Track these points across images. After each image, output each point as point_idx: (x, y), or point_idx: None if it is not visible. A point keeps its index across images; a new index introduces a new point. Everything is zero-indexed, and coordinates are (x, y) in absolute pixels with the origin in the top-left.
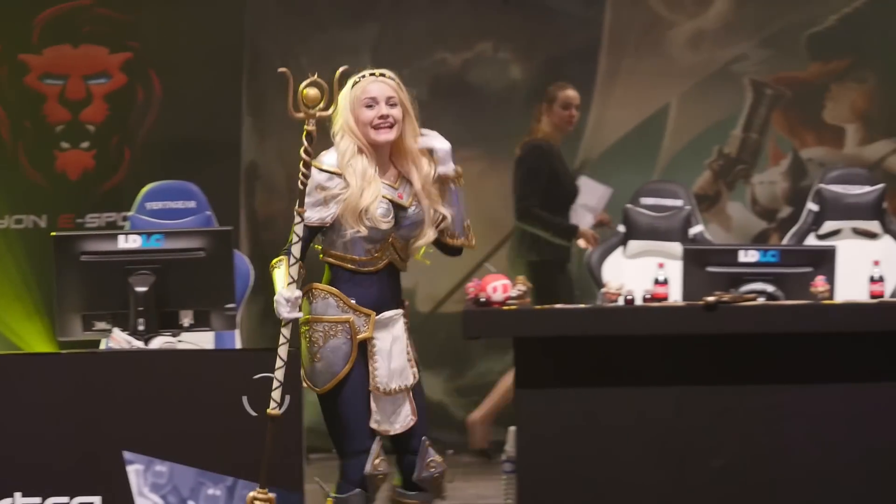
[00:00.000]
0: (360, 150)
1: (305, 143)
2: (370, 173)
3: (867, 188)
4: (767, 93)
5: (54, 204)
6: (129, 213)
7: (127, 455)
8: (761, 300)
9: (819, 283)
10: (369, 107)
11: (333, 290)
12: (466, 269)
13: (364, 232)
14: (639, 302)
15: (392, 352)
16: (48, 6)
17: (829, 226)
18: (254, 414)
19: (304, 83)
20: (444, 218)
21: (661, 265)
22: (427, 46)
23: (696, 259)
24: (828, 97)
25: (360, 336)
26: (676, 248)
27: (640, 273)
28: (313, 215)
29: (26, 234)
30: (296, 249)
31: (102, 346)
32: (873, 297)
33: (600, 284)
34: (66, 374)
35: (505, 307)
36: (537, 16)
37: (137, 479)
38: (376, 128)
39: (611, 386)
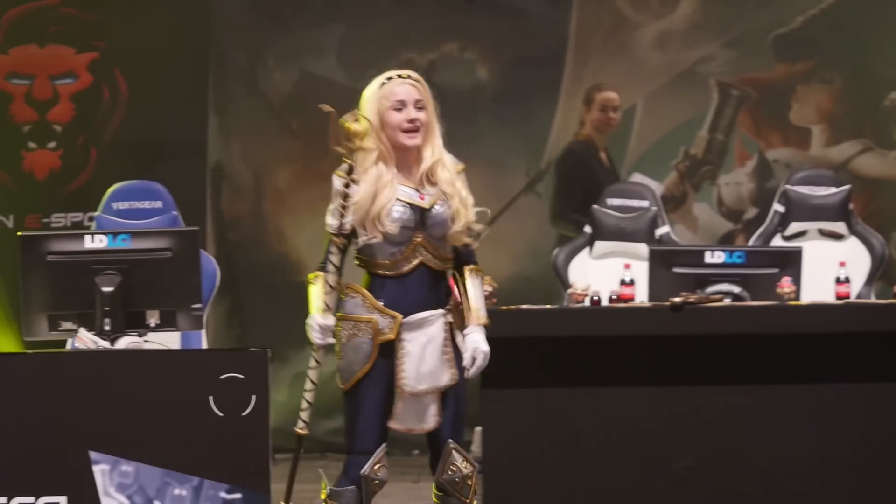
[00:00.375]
0: (379, 156)
1: (345, 177)
2: (385, 178)
3: (833, 189)
4: (733, 94)
5: (21, 204)
6: (96, 213)
7: (93, 455)
8: (727, 301)
9: (785, 285)
10: (398, 110)
11: (362, 290)
12: None
13: (378, 238)
14: (605, 303)
15: (424, 354)
16: (14, 6)
17: (795, 227)
18: (220, 414)
19: (347, 117)
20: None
21: (627, 266)
22: (393, 47)
23: (663, 260)
24: (794, 98)
25: (383, 337)
26: (643, 248)
27: (606, 274)
28: (333, 223)
29: None
30: (335, 259)
31: (68, 347)
32: (839, 298)
33: (566, 285)
34: (32, 374)
35: None
36: (503, 17)
37: (103, 479)
38: (406, 132)
39: (577, 386)
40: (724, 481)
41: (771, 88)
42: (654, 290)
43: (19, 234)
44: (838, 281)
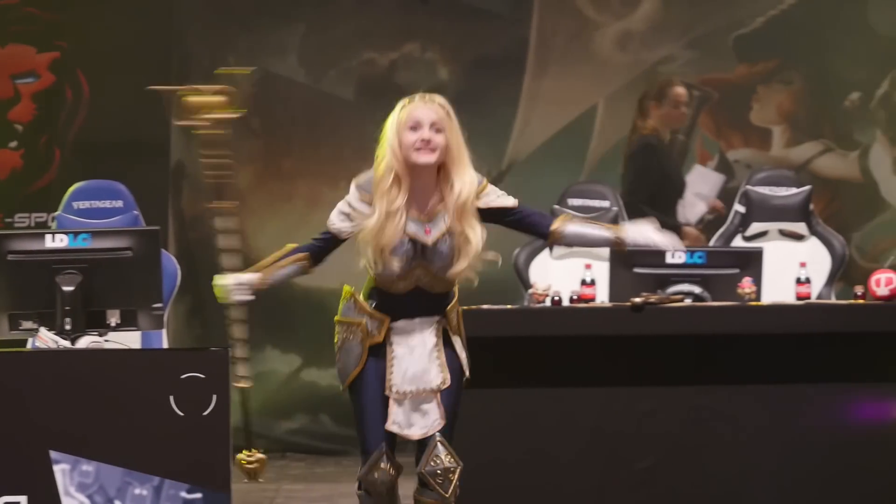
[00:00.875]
0: (394, 179)
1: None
2: (396, 206)
3: (794, 190)
4: (694, 94)
5: None
6: (56, 213)
7: (53, 454)
8: (688, 301)
9: (746, 285)
10: (413, 129)
11: (356, 295)
12: None
13: (379, 269)
14: (566, 303)
15: (413, 356)
16: None
17: (755, 227)
18: (181, 414)
19: (182, 91)
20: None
21: (588, 266)
22: (354, 47)
23: (623, 260)
24: (754, 99)
25: (372, 340)
26: (604, 249)
27: (567, 274)
28: (336, 222)
29: None
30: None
31: (29, 346)
32: (799, 298)
33: (527, 285)
34: None
35: None
36: (464, 17)
37: (64, 478)
38: (417, 150)
39: (538, 386)
40: (685, 480)
41: (732, 89)
42: (615, 290)
43: None
44: (799, 281)
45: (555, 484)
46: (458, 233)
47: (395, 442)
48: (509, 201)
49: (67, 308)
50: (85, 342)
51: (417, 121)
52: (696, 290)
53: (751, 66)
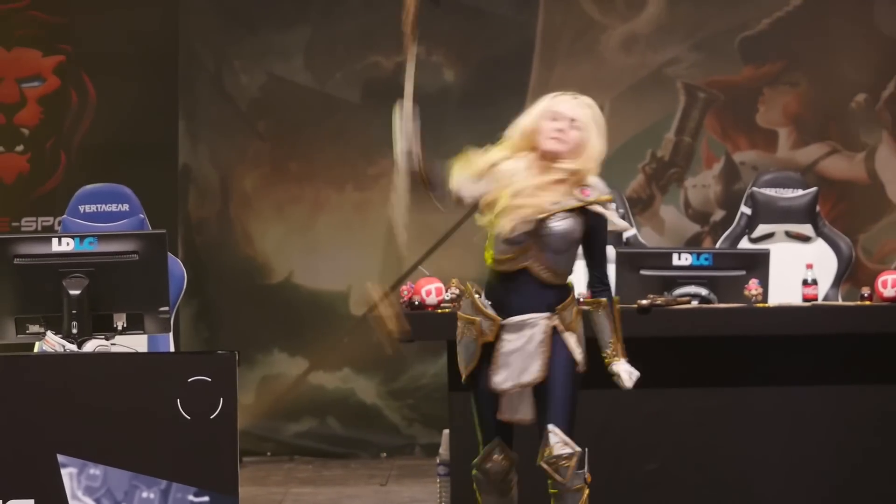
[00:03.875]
0: (527, 165)
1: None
2: (525, 176)
3: (800, 192)
4: (700, 96)
5: None
6: (62, 217)
7: (61, 458)
8: (695, 303)
9: (752, 287)
10: (553, 119)
11: (472, 291)
12: (400, 273)
13: (500, 233)
14: None
15: (517, 353)
16: None
17: (762, 229)
18: (188, 417)
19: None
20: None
21: None
22: (359, 49)
23: (630, 262)
24: (760, 101)
25: (485, 339)
26: (610, 251)
27: (574, 277)
28: (466, 187)
29: None
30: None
31: (36, 350)
32: (806, 300)
33: None
34: (0, 377)
35: (438, 310)
36: (470, 19)
37: (71, 482)
38: (549, 138)
39: None
40: (693, 483)
41: (738, 91)
42: (622, 292)
43: None
44: (805, 283)
45: None
46: (574, 222)
47: (511, 434)
48: (621, 226)
49: (74, 312)
50: (92, 346)
51: (559, 112)
52: (703, 291)
53: (757, 67)
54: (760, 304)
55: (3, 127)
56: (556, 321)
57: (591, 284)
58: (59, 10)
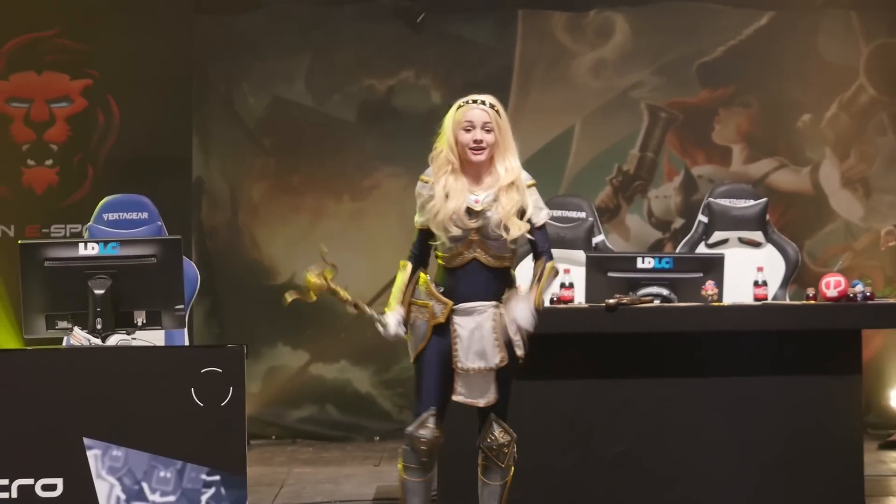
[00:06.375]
0: (452, 170)
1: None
2: (452, 188)
3: (751, 202)
4: (662, 116)
5: (21, 216)
6: (89, 224)
7: (87, 441)
8: (657, 302)
9: (709, 287)
10: (467, 130)
11: (426, 279)
12: (393, 272)
13: (444, 238)
14: (547, 304)
15: (473, 337)
16: (14, 36)
17: (717, 236)
18: (201, 404)
19: (309, 273)
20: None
21: (567, 271)
22: (355, 74)
23: (599, 265)
24: (716, 120)
25: (436, 321)
26: (581, 255)
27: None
28: (417, 219)
29: None
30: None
31: (64, 344)
32: (757, 299)
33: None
34: (32, 368)
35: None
36: (454, 47)
37: (96, 462)
38: (472, 150)
39: (522, 379)
40: (655, 464)
41: (695, 111)
42: (591, 292)
43: (20, 242)
44: (756, 284)
45: (538, 466)
46: (503, 204)
47: (444, 412)
48: (537, 218)
49: (98, 309)
50: (114, 340)
51: (471, 122)
52: (664, 292)
53: (712, 90)
54: (716, 304)
55: (34, 143)
56: (502, 309)
57: (535, 256)
58: (85, 38)
